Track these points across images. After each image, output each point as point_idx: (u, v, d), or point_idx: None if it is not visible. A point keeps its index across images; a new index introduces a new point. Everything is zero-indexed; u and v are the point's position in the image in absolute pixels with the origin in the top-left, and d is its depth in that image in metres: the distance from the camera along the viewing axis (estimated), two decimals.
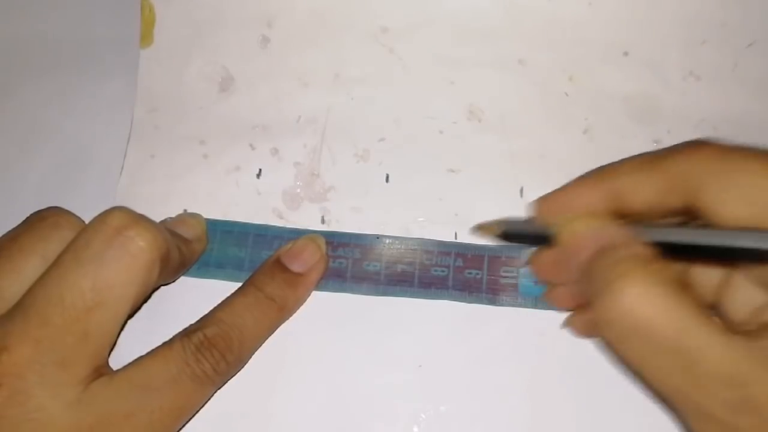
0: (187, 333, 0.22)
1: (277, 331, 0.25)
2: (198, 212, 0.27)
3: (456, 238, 0.27)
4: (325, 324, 0.26)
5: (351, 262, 0.26)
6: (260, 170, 0.28)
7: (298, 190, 0.28)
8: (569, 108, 0.28)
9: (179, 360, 0.21)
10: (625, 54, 0.29)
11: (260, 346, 0.24)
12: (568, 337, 0.25)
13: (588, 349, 0.25)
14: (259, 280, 0.25)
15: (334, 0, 0.29)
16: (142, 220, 0.21)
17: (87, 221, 0.26)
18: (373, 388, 0.25)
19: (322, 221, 0.27)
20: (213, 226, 0.27)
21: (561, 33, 0.29)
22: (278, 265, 0.25)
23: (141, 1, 0.29)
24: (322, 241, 0.26)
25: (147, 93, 0.29)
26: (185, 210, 0.27)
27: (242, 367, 0.24)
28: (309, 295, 0.26)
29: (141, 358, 0.22)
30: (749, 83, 0.28)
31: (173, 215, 0.27)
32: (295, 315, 0.25)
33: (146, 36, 0.29)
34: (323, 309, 0.26)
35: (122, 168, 0.28)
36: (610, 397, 0.25)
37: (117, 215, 0.21)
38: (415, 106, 0.28)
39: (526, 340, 0.25)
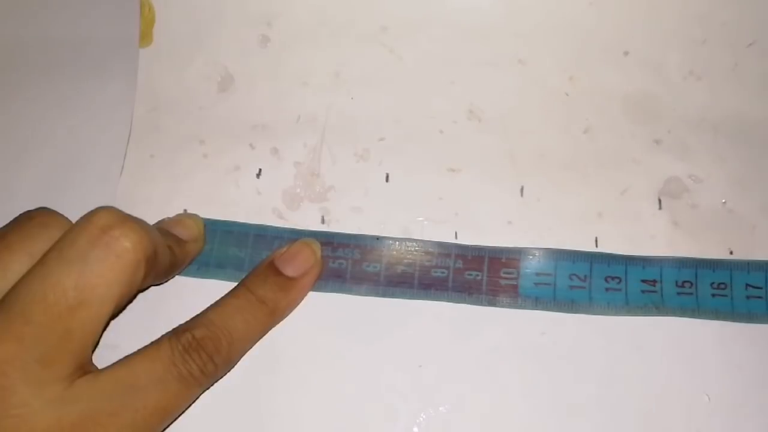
0: (175, 333, 0.22)
1: (276, 331, 0.25)
2: (197, 212, 0.27)
3: (456, 237, 0.27)
4: (325, 324, 0.26)
5: (351, 263, 0.26)
6: (260, 170, 0.28)
7: (298, 190, 0.28)
8: (569, 108, 0.28)
9: (166, 360, 0.21)
10: (625, 54, 0.29)
11: (250, 348, 0.24)
12: (568, 337, 0.25)
13: (588, 349, 0.25)
14: (251, 282, 0.24)
15: None
16: (128, 219, 0.21)
17: None
18: (373, 388, 0.25)
19: (322, 221, 0.27)
20: (213, 226, 0.26)
21: (561, 33, 0.29)
22: (272, 268, 0.25)
23: (140, 0, 0.29)
24: (317, 246, 0.26)
25: (146, 93, 0.29)
26: (185, 210, 0.27)
27: (231, 369, 0.24)
28: (302, 299, 0.25)
29: (128, 357, 0.21)
30: (750, 83, 0.28)
31: (173, 215, 0.27)
32: (294, 315, 0.25)
33: (146, 35, 0.29)
34: (323, 309, 0.26)
35: (122, 168, 0.28)
36: (610, 398, 0.25)
37: (103, 215, 0.21)
38: (415, 105, 0.28)
39: (527, 340, 0.25)
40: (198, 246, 0.26)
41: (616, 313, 0.25)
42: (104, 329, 0.21)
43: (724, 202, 0.27)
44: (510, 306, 0.25)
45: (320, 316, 0.26)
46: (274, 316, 0.24)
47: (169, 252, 0.23)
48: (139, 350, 0.22)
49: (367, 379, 0.25)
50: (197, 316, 0.23)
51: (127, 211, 0.27)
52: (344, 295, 0.26)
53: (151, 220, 0.26)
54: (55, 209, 0.26)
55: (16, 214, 0.23)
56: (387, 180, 0.28)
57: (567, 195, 0.27)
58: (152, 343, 0.22)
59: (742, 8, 0.28)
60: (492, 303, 0.25)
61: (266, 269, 0.25)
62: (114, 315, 0.21)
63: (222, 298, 0.24)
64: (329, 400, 0.25)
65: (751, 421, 0.24)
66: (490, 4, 0.29)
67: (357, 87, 0.29)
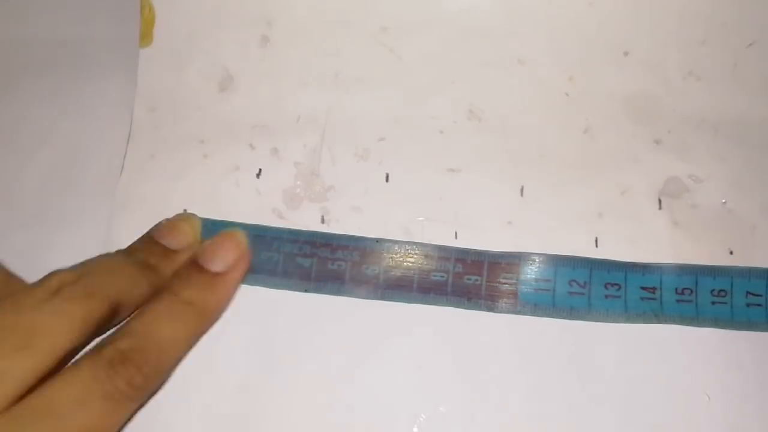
0: (97, 348, 0.21)
1: (276, 332, 0.25)
2: (197, 212, 0.27)
3: (456, 237, 0.27)
4: (325, 324, 0.26)
5: (350, 265, 0.26)
6: (260, 170, 0.28)
7: (298, 190, 0.28)
8: (569, 108, 0.28)
9: (87, 379, 0.20)
10: (625, 54, 0.28)
11: (185, 355, 0.23)
12: (568, 338, 0.25)
13: (587, 350, 0.25)
14: (174, 284, 0.23)
15: None
16: (82, 280, 0.21)
17: (87, 221, 0.26)
18: (373, 388, 0.25)
19: (322, 221, 0.27)
20: (212, 225, 0.26)
21: (561, 33, 0.29)
22: (195, 266, 0.23)
23: (141, 0, 0.29)
24: (243, 236, 0.25)
25: (146, 92, 0.29)
26: (185, 210, 0.27)
27: (166, 379, 0.22)
28: (232, 296, 0.24)
29: (46, 382, 0.20)
30: (749, 83, 0.28)
31: (172, 215, 0.27)
32: (293, 314, 0.25)
33: (146, 35, 0.29)
34: (322, 309, 0.26)
35: (122, 168, 0.28)
36: (610, 397, 0.25)
37: (57, 277, 0.21)
38: (415, 105, 0.28)
39: (527, 339, 0.25)
40: (190, 253, 0.25)
41: (615, 321, 0.25)
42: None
43: (724, 202, 0.27)
44: (509, 311, 0.25)
45: (320, 315, 0.26)
46: (204, 316, 0.23)
47: (144, 282, 0.23)
48: (58, 372, 0.20)
49: (367, 379, 0.25)
50: (120, 326, 0.22)
51: (127, 211, 0.27)
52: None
53: (151, 220, 0.26)
54: (56, 209, 0.26)
55: (17, 214, 0.23)
56: (387, 180, 0.28)
57: (567, 195, 0.27)
58: (71, 363, 0.21)
59: (742, 9, 0.28)
60: (491, 308, 0.25)
61: (189, 268, 0.23)
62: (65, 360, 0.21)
63: (146, 304, 0.22)
64: (329, 399, 0.25)
65: (751, 421, 0.24)
66: (490, 4, 0.29)
67: (357, 87, 0.29)
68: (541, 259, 0.26)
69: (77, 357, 0.21)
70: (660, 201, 0.27)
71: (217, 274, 0.23)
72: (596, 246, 0.27)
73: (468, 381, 0.25)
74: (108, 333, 0.22)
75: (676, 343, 0.25)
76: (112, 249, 0.25)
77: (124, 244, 0.25)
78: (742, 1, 0.28)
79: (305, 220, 0.27)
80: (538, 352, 0.25)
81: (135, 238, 0.26)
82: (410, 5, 0.29)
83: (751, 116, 0.28)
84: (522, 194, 0.27)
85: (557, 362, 0.25)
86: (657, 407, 0.24)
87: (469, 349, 0.25)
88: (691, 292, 0.25)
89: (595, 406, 0.24)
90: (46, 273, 0.21)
